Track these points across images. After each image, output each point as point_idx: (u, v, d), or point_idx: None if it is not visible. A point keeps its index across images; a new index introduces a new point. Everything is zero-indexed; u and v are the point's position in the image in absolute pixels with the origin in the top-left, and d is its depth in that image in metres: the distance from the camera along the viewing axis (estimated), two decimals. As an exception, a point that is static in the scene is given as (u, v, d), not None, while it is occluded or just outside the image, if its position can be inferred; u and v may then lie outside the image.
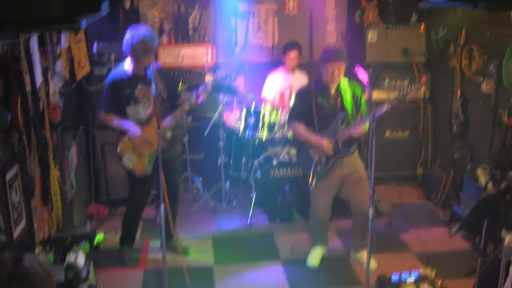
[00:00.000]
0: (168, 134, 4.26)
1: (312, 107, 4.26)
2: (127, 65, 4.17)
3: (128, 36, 4.04)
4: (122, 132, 4.22)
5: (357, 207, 4.38)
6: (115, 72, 4.24)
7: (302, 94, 4.40)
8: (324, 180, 4.32)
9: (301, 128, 4.33)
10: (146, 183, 4.40)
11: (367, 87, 3.76)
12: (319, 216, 4.46)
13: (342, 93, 4.27)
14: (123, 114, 4.19)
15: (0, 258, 1.87)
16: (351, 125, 4.19)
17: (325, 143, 4.19)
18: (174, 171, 4.44)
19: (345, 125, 4.21)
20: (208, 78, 5.62)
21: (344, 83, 4.29)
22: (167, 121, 4.19)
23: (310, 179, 4.34)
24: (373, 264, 4.32)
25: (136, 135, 4.14)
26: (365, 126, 4.17)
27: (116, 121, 4.20)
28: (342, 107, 4.24)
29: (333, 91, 4.27)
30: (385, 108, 4.02)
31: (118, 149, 4.22)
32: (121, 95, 4.14)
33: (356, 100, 4.31)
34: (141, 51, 4.02)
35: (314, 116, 4.26)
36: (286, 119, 4.63)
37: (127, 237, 4.60)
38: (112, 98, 4.17)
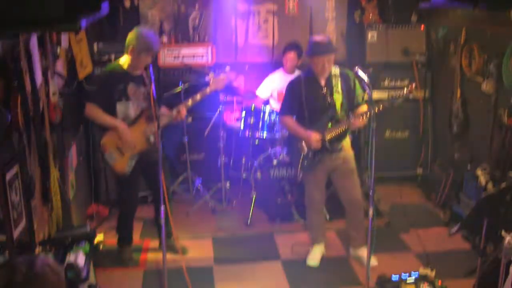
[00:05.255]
0: (152, 138, 4.23)
1: (302, 100, 4.26)
2: (123, 62, 4.23)
3: (134, 32, 4.14)
4: (104, 129, 4.22)
5: (347, 197, 4.44)
6: (111, 67, 4.29)
7: (291, 88, 4.39)
8: (311, 173, 4.36)
9: (290, 121, 4.35)
10: (132, 183, 4.40)
11: (367, 88, 3.75)
12: (315, 199, 4.48)
13: (333, 83, 4.23)
14: (111, 110, 4.19)
15: (13, 262, 1.88)
16: (338, 123, 4.17)
17: (312, 136, 4.19)
18: (158, 173, 4.41)
19: (332, 123, 4.20)
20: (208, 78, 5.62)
21: (335, 71, 4.25)
22: (153, 125, 4.19)
23: (298, 172, 4.37)
24: (373, 261, 4.34)
25: (124, 134, 4.14)
26: (354, 123, 4.12)
27: (104, 117, 4.17)
28: (332, 100, 4.21)
29: (322, 82, 4.24)
30: (372, 112, 3.89)
31: (101, 143, 4.21)
32: (114, 90, 4.16)
33: (349, 87, 4.25)
34: (144, 49, 4.09)
35: (304, 109, 4.27)
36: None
37: (124, 238, 4.60)
38: (106, 91, 4.18)
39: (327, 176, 4.45)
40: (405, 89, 4.04)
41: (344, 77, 4.26)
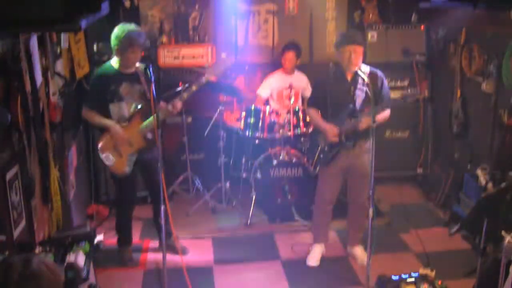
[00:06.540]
0: (149, 135, 4.22)
1: (326, 94, 4.26)
2: (114, 62, 4.21)
3: (114, 32, 4.11)
4: (103, 130, 4.22)
5: (353, 198, 4.46)
6: (102, 68, 4.27)
7: (318, 81, 4.44)
8: (327, 167, 4.34)
9: (314, 113, 4.38)
10: (129, 183, 4.39)
11: (366, 87, 3.76)
12: (324, 198, 4.46)
13: (358, 80, 4.17)
14: (105, 112, 4.19)
15: (10, 260, 1.88)
16: (356, 120, 4.14)
17: (329, 130, 4.18)
18: (155, 172, 4.40)
19: (351, 118, 4.17)
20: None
21: (364, 69, 4.12)
22: (149, 122, 4.18)
23: (313, 165, 4.38)
24: (362, 254, 4.40)
25: (118, 134, 4.14)
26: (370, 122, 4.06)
27: (97, 119, 4.19)
28: (354, 96, 4.17)
29: (349, 78, 4.20)
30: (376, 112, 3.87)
31: (99, 146, 4.21)
32: (106, 91, 4.16)
33: (375, 87, 4.11)
34: (127, 45, 4.06)
35: (328, 103, 4.26)
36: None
37: (124, 238, 4.61)
38: (97, 94, 4.19)
39: (343, 177, 4.41)
40: (412, 89, 4.01)
41: (371, 76, 4.13)
